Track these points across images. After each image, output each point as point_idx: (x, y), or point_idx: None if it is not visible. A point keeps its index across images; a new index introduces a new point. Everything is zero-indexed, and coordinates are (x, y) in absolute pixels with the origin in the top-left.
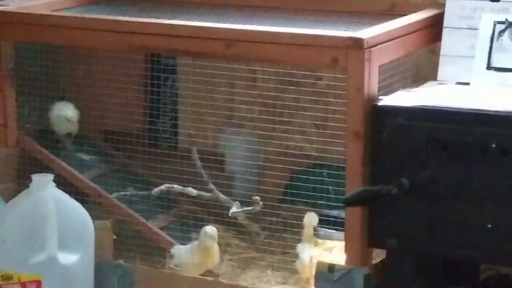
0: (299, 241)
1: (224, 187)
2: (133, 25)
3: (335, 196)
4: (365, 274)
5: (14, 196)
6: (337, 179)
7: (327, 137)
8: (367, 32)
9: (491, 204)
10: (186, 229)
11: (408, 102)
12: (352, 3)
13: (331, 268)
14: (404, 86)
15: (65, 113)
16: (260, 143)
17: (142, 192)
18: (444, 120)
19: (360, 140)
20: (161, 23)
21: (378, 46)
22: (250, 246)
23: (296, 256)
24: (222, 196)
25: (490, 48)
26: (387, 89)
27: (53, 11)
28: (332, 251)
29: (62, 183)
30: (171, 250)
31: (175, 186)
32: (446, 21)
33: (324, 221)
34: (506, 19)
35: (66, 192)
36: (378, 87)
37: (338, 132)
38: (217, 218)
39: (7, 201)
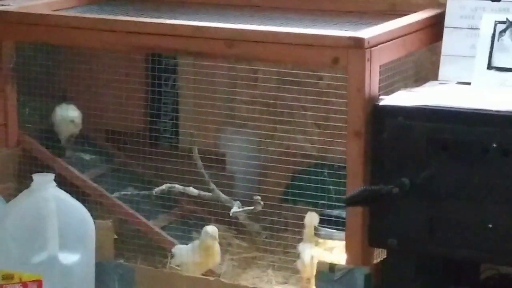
0: (300, 240)
1: (225, 186)
2: (133, 25)
3: (336, 196)
4: (366, 273)
5: (15, 196)
6: (338, 178)
7: (328, 137)
8: (368, 32)
9: (492, 204)
10: (187, 228)
11: (408, 102)
12: (352, 3)
13: (332, 267)
14: (405, 86)
15: (70, 116)
16: (261, 143)
17: (143, 192)
18: (445, 120)
19: (361, 140)
20: (161, 23)
21: (379, 46)
22: (251, 245)
23: (297, 255)
24: (223, 195)
25: (491, 48)
26: (388, 89)
27: (53, 11)
28: (333, 250)
29: (63, 183)
30: (172, 250)
31: (176, 185)
32: (447, 21)
33: (325, 221)
34: (507, 19)
35: (67, 192)
36: (379, 86)
37: (339, 132)
38: (218, 217)
39: (8, 201)
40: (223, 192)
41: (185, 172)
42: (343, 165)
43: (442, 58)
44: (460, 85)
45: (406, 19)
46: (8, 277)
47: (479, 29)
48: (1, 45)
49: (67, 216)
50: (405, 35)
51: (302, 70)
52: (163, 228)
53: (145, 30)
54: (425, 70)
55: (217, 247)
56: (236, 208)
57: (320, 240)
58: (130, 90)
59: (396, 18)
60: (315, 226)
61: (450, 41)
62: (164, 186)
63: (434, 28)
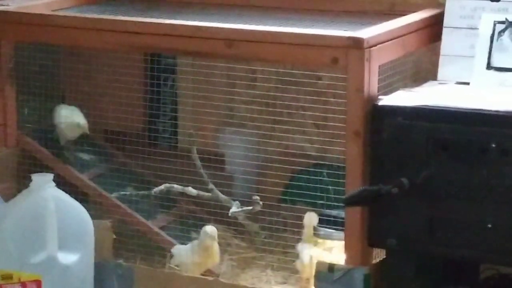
0: (299, 240)
1: (224, 186)
2: (133, 25)
3: (335, 196)
4: (365, 274)
5: (14, 196)
6: (337, 178)
7: (327, 137)
8: (367, 32)
9: (491, 203)
10: (186, 228)
11: (408, 102)
12: (352, 3)
13: (331, 267)
14: (404, 86)
15: (76, 120)
16: (260, 143)
17: (142, 192)
18: (444, 120)
19: (360, 140)
20: (161, 23)
21: (378, 45)
22: (250, 245)
23: (296, 255)
24: (222, 196)
25: (490, 48)
26: (387, 89)
27: (52, 11)
28: (332, 251)
29: (62, 183)
30: (171, 250)
31: (175, 185)
32: (446, 21)
33: (324, 221)
34: (506, 19)
35: (66, 192)
36: (378, 86)
37: (338, 132)
38: (217, 217)
39: (7, 201)
40: (222, 192)
41: (184, 172)
42: (342, 165)
43: (441, 58)
44: (459, 85)
45: (405, 19)
46: (7, 277)
47: (478, 29)
48: (0, 45)
49: (66, 216)
50: (404, 35)
51: (301, 70)
52: (162, 228)
53: (145, 30)
54: (424, 70)
55: (216, 247)
56: (235, 208)
57: (319, 240)
58: (129, 90)
59: (395, 18)
60: (314, 226)
61: (449, 41)
62: (163, 186)
63: (433, 28)
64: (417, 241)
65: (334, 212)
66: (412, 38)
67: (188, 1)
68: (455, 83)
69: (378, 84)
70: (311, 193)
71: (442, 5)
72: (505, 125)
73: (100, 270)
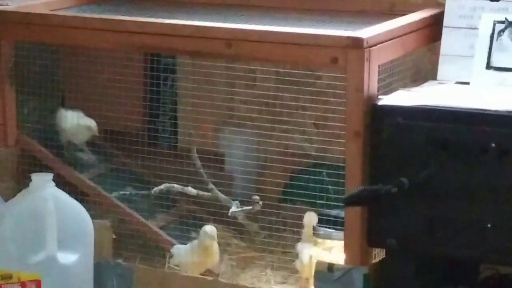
0: (298, 240)
1: (224, 186)
2: (132, 25)
3: (334, 196)
4: (365, 273)
5: (13, 196)
6: (336, 178)
7: (327, 137)
8: (366, 32)
9: (491, 203)
10: (186, 228)
11: (407, 101)
12: (351, 3)
13: (331, 267)
14: (404, 86)
15: (86, 122)
16: (260, 143)
17: (142, 192)
18: (444, 120)
19: (360, 140)
20: (161, 23)
21: (378, 45)
22: (250, 245)
23: (296, 255)
24: (221, 195)
25: (490, 47)
26: (386, 89)
27: (52, 10)
28: (332, 250)
29: (62, 183)
30: (171, 250)
31: (175, 185)
32: (446, 21)
33: (324, 221)
34: (506, 19)
35: (65, 192)
36: (378, 86)
37: (338, 132)
38: (216, 217)
39: (6, 200)
40: (221, 192)
41: (184, 171)
42: (342, 164)
43: (441, 57)
44: (459, 84)
45: (405, 19)
46: (6, 277)
47: (478, 29)
48: (0, 44)
49: (65, 216)
50: (404, 34)
51: (301, 70)
52: (161, 228)
53: (145, 30)
54: (424, 70)
55: (215, 247)
56: (234, 208)
57: (319, 240)
58: (128, 90)
59: (395, 17)
60: (313, 226)
61: (449, 41)
62: (162, 186)
63: (433, 28)
64: (416, 241)
65: (333, 212)
66: (411, 38)
67: (188, 1)
68: (455, 83)
69: (378, 84)
70: (310, 193)
71: (442, 5)
72: (505, 125)
73: (100, 270)
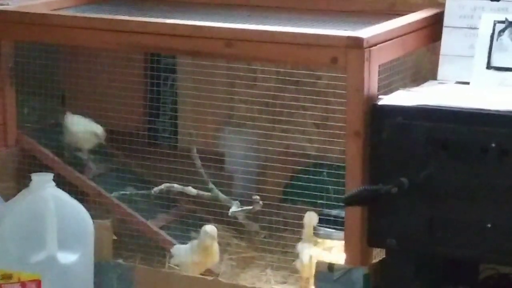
0: (299, 240)
1: (224, 186)
2: (133, 25)
3: (335, 196)
4: (365, 273)
5: (13, 195)
6: (337, 178)
7: (327, 137)
8: (367, 32)
9: (491, 203)
10: (186, 228)
11: (408, 101)
12: (351, 3)
13: (331, 267)
14: (404, 86)
15: (94, 128)
16: (260, 143)
17: (142, 192)
18: (444, 120)
19: (360, 140)
20: (161, 23)
21: (378, 45)
22: (250, 245)
23: (296, 255)
24: (222, 195)
25: (490, 47)
26: (386, 89)
27: (52, 10)
28: (332, 250)
29: (62, 183)
30: (171, 250)
31: (175, 185)
32: (446, 21)
33: (324, 221)
34: (506, 19)
35: (65, 192)
36: (378, 86)
37: (338, 132)
38: (216, 217)
39: (6, 200)
40: (222, 191)
41: (184, 171)
42: (342, 164)
43: (441, 57)
44: (459, 84)
45: (405, 19)
46: (6, 277)
47: (478, 28)
48: (0, 44)
49: (66, 216)
50: (404, 34)
51: (301, 69)
52: (162, 227)
53: (145, 30)
54: (424, 70)
55: (216, 246)
56: (235, 208)
57: (319, 240)
58: (129, 90)
59: (395, 17)
60: (314, 226)
61: (449, 41)
62: (163, 186)
63: (433, 28)
64: (416, 241)
65: (334, 212)
66: (412, 38)
67: (188, 1)
68: (455, 83)
69: (378, 83)
70: (311, 192)
71: (442, 5)
72: (505, 125)
73: (100, 270)
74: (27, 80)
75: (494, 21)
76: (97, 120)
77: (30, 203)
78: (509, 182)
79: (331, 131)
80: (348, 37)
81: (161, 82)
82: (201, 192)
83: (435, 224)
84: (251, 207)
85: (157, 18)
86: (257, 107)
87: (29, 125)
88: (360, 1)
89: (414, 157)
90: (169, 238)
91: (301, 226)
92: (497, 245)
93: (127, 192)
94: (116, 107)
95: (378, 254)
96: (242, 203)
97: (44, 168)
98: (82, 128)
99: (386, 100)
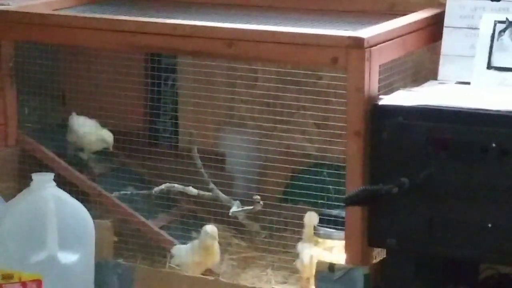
0: (299, 240)
1: (225, 186)
2: (133, 25)
3: (335, 196)
4: (365, 273)
5: (14, 195)
6: (337, 178)
7: (328, 137)
8: (367, 32)
9: (491, 203)
10: (187, 228)
11: (408, 101)
12: (352, 3)
13: (331, 267)
14: (404, 86)
15: (103, 133)
16: (261, 143)
17: (143, 192)
18: (445, 120)
19: (361, 140)
20: (161, 23)
21: (379, 45)
22: (250, 245)
23: (296, 255)
24: (222, 195)
25: (491, 47)
26: (387, 89)
27: (53, 10)
28: (332, 250)
29: (63, 183)
30: (172, 250)
31: (176, 185)
32: (447, 21)
33: (325, 221)
34: (507, 19)
35: (66, 191)
36: (378, 86)
37: (339, 132)
38: (217, 217)
39: (7, 200)
40: (222, 191)
41: (185, 171)
42: (343, 164)
43: (441, 57)
44: (460, 84)
45: (406, 19)
46: (7, 277)
47: (478, 28)
48: (1, 44)
49: (66, 216)
50: (405, 34)
51: (302, 69)
52: (162, 227)
53: (145, 30)
54: (424, 70)
55: (216, 246)
56: (235, 208)
57: (320, 240)
58: (129, 90)
59: (395, 17)
60: (314, 226)
61: (449, 41)
62: (163, 186)
63: (434, 28)
64: (417, 241)
65: (334, 212)
66: (412, 38)
67: (188, 1)
68: (456, 83)
69: (379, 83)
70: (311, 192)
71: (443, 5)
72: (506, 125)
73: (100, 270)
74: (28, 80)
75: (495, 21)
76: (97, 120)
77: (31, 203)
78: (509, 182)
79: (331, 131)
80: (349, 37)
81: (161, 82)
82: (202, 192)
83: (435, 224)
84: (251, 207)
85: (158, 18)
86: (258, 107)
87: (29, 125)
88: (361, 1)
89: (414, 157)
90: (169, 238)
91: (301, 226)
92: (497, 245)
93: (128, 192)
94: (116, 107)
95: (378, 254)
96: (243, 203)
97: (44, 168)
98: (91, 131)
99: (386, 100)
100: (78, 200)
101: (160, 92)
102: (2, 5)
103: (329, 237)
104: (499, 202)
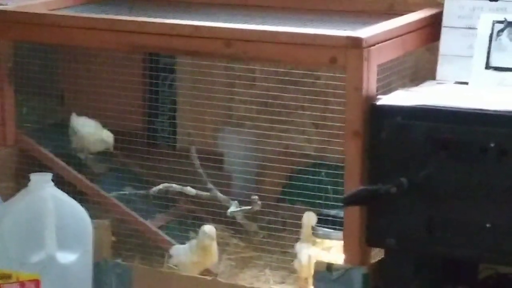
0: (297, 240)
1: (223, 186)
2: (132, 24)
3: (334, 196)
4: (364, 273)
5: (12, 195)
6: (336, 178)
7: (326, 137)
8: (366, 32)
9: (490, 203)
10: (185, 228)
11: (407, 101)
12: (351, 3)
13: (330, 267)
14: (403, 86)
15: (103, 134)
16: (259, 143)
17: (141, 192)
18: (443, 120)
19: (359, 140)
20: (160, 22)
21: (377, 45)
22: (249, 245)
23: (295, 255)
24: (220, 195)
25: (489, 47)
26: (385, 89)
27: (51, 10)
28: (331, 250)
29: (61, 182)
30: (170, 250)
31: (174, 185)
32: (445, 21)
33: (323, 221)
34: (505, 19)
35: (64, 191)
36: (377, 86)
37: (337, 132)
38: (215, 217)
39: (5, 200)
40: (220, 191)
41: (183, 171)
42: (341, 164)
43: (440, 57)
44: (458, 84)
45: (404, 19)
46: (5, 277)
47: (477, 28)
48: None
49: (65, 216)
50: (403, 34)
51: (300, 69)
52: (160, 227)
53: (143, 30)
54: (423, 70)
55: (214, 246)
56: (233, 208)
57: (318, 240)
58: (128, 90)
59: (394, 17)
60: (313, 226)
61: (448, 41)
62: (161, 186)
63: (432, 28)
64: (416, 241)
65: (333, 212)
66: (411, 38)
67: (188, 1)
68: (454, 83)
69: (377, 83)
70: (310, 192)
71: (441, 5)
72: (504, 124)
73: (99, 270)
74: (26, 80)
75: (493, 21)
76: (97, 120)
77: (29, 203)
78: (508, 182)
79: (330, 131)
80: (347, 37)
81: (160, 82)
82: (200, 192)
83: (434, 224)
84: (250, 207)
85: (157, 18)
86: (256, 107)
87: (28, 125)
88: (360, 1)
89: (413, 157)
90: (168, 238)
91: (299, 226)
92: (497, 245)
93: (126, 192)
94: (115, 107)
95: (377, 254)
96: (241, 203)
97: (43, 168)
98: (92, 131)
99: (385, 100)
100: (77, 200)
101: (158, 92)
102: (1, 5)
103: (327, 237)
104: (498, 202)
